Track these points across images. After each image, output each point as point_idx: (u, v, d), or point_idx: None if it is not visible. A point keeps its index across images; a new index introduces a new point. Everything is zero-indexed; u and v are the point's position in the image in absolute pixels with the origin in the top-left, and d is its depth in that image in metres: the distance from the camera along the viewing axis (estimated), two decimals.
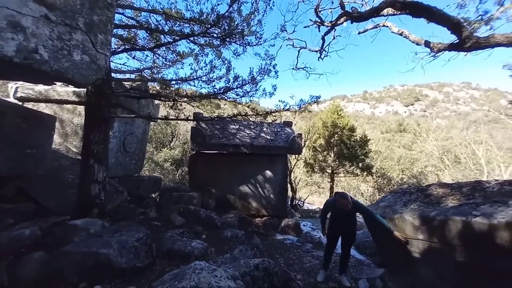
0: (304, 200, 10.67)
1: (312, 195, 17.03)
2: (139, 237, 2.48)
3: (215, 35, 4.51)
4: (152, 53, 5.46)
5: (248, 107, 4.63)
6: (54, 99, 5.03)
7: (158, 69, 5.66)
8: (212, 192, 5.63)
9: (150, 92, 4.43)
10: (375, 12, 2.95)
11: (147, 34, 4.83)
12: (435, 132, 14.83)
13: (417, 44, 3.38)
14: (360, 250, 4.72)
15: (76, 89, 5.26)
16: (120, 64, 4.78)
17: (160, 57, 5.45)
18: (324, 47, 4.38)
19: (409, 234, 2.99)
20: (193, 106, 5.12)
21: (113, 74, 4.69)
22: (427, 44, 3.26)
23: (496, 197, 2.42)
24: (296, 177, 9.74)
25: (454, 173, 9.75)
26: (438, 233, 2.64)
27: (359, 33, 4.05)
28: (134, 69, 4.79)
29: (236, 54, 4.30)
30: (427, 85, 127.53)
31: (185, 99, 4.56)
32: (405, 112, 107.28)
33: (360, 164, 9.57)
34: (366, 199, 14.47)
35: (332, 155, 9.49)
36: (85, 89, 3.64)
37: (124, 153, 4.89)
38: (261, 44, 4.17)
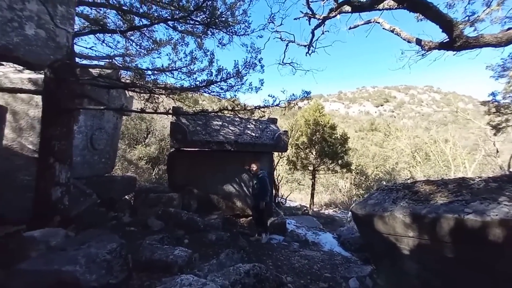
0: (287, 197, 10.69)
1: (293, 192, 17.25)
2: (111, 249, 2.12)
3: (197, 22, 4.14)
4: (124, 39, 4.90)
5: (233, 102, 4.36)
6: (5, 87, 4.25)
7: (132, 57, 5.11)
8: (193, 193, 5.27)
9: (123, 82, 3.94)
10: (376, 2, 2.87)
11: (119, 17, 4.29)
12: (407, 131, 15.87)
13: (408, 41, 3.40)
14: (346, 247, 4.75)
15: (33, 76, 4.53)
16: (86, 48, 4.16)
17: (133, 43, 4.92)
18: (313, 42, 4.25)
19: (399, 231, 3.00)
20: (173, 99, 4.70)
21: (78, 60, 4.09)
22: (418, 42, 3.29)
23: (484, 194, 2.48)
24: (279, 175, 9.69)
25: (426, 169, 10.47)
26: (429, 230, 2.66)
27: (350, 28, 3.98)
28: (104, 55, 4.24)
29: (222, 44, 3.98)
30: (395, 87, 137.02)
31: (163, 91, 4.15)
32: (375, 112, 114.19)
33: (340, 161, 9.81)
34: (344, 195, 15.03)
35: (314, 153, 9.59)
36: (43, 76, 3.08)
37: (92, 150, 4.32)
38: (248, 34, 3.91)
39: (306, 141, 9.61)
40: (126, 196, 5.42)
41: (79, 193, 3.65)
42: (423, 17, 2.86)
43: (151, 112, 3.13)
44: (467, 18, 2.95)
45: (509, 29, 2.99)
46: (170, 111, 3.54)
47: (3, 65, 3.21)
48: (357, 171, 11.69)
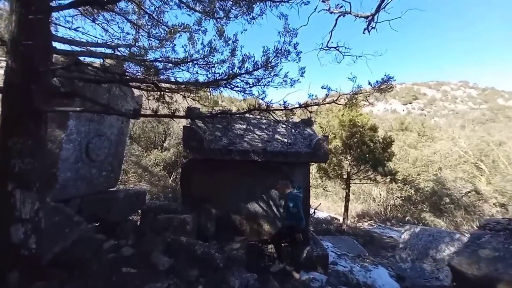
0: (315, 208, 9.40)
1: (318, 198, 15.84)
2: None
3: None
4: (134, 29, 4.06)
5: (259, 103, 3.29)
6: None
7: (141, 49, 4.25)
8: (211, 212, 4.28)
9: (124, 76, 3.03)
10: None
11: None
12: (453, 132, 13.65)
13: None
14: None
15: None
16: (78, 31, 3.25)
17: (142, 30, 4.03)
18: (380, 8, 2.95)
19: None
20: (187, 98, 3.74)
21: (66, 47, 3.25)
22: None
23: None
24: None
25: (496, 181, 8.39)
26: None
27: None
28: (102, 41, 3.38)
29: (252, 18, 2.91)
30: (425, 84, 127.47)
31: (174, 86, 3.19)
32: (403, 110, 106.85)
33: (380, 169, 8.30)
34: (379, 204, 13.30)
35: (350, 159, 8.20)
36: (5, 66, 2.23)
37: (89, 162, 3.49)
38: (288, 1, 2.77)
39: (340, 145, 8.25)
40: (133, 215, 4.59)
41: (64, 222, 2.79)
42: None
43: (150, 115, 2.15)
44: None
45: None
46: (179, 114, 2.52)
47: None
48: (405, 181, 9.94)
